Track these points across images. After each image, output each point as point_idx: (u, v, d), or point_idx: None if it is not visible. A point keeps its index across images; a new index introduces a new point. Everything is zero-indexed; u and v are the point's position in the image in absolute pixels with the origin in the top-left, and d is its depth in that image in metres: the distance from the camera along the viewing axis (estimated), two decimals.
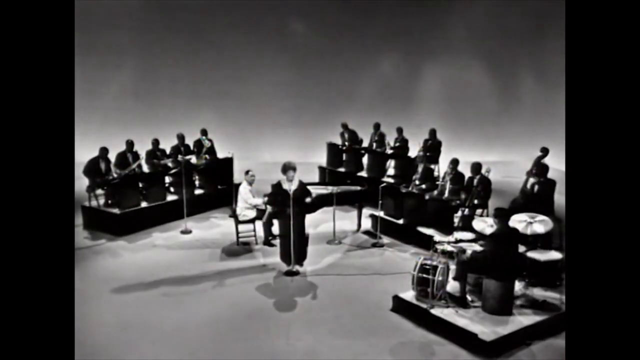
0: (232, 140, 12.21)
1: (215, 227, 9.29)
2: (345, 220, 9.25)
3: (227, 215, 9.56)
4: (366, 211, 9.08)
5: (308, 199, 7.28)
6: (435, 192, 8.43)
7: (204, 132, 10.84)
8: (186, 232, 8.94)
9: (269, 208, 7.77)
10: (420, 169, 8.90)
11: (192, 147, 10.63)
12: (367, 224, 9.06)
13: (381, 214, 8.52)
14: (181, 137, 10.57)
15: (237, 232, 8.31)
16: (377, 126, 11.65)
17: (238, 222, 8.29)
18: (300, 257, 7.33)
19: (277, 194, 7.29)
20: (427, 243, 7.73)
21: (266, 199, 8.06)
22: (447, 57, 13.90)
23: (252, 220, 8.30)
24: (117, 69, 13.51)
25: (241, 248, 8.23)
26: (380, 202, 8.31)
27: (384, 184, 8.54)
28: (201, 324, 5.86)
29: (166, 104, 13.46)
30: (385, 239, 8.49)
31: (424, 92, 14.17)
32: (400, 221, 8.58)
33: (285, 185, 7.15)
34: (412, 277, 6.01)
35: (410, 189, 8.65)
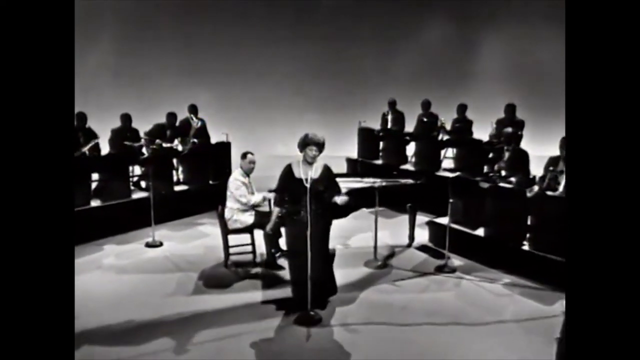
0: (236, 127, 9.49)
1: (199, 237, 6.39)
2: (388, 229, 6.27)
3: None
4: (420, 217, 6.13)
5: (340, 199, 4.30)
6: (536, 188, 5.31)
7: (193, 110, 8.07)
8: (154, 244, 6.05)
9: (276, 210, 4.69)
10: (507, 153, 5.84)
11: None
12: (422, 235, 6.08)
13: (445, 221, 5.55)
14: (172, 116, 7.77)
15: (226, 247, 5.37)
16: (426, 104, 8.69)
17: (227, 231, 5.35)
18: (323, 292, 4.37)
19: (285, 186, 4.37)
20: (537, 269, 4.72)
21: (272, 195, 5.08)
22: (511, 23, 10.86)
23: (248, 229, 5.35)
24: (94, 41, 10.84)
25: (230, 272, 5.28)
26: (450, 201, 5.28)
27: (455, 176, 5.51)
28: None
29: (154, 83, 10.81)
30: (456, 260, 5.47)
31: (482, 67, 11.17)
32: (479, 232, 5.55)
33: (299, 171, 4.23)
34: (557, 345, 2.94)
35: (492, 182, 5.59)
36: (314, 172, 4.25)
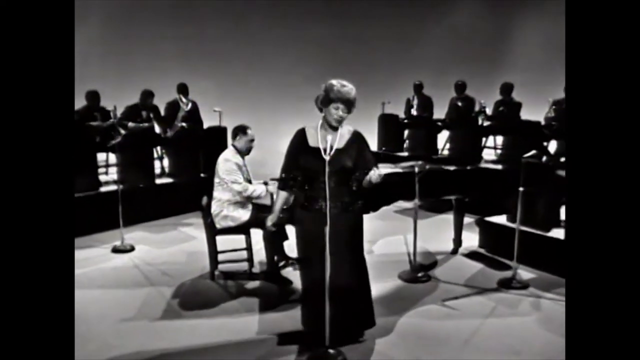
0: (237, 118, 8.14)
1: (181, 241, 5.03)
2: (423, 231, 4.86)
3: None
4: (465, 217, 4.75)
5: (374, 175, 2.86)
6: None
7: (183, 89, 6.76)
8: (122, 249, 4.69)
9: (283, 195, 3.25)
10: None
11: (162, 111, 6.53)
12: (469, 239, 4.68)
13: (503, 220, 4.18)
14: (147, 95, 6.44)
15: (214, 252, 3.99)
16: (461, 86, 7.37)
17: (215, 230, 3.97)
18: (353, 323, 2.97)
19: (295, 160, 2.99)
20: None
21: (273, 185, 3.71)
22: (551, 2, 9.54)
23: (243, 228, 3.96)
24: (81, 19, 9.58)
25: (218, 287, 3.89)
26: (521, 189, 3.87)
27: (527, 159, 4.07)
28: None
29: (146, 67, 9.49)
30: (525, 272, 4.05)
31: (518, 51, 9.80)
32: (554, 234, 4.14)
33: (317, 139, 2.87)
34: None
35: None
36: (338, 140, 2.87)
